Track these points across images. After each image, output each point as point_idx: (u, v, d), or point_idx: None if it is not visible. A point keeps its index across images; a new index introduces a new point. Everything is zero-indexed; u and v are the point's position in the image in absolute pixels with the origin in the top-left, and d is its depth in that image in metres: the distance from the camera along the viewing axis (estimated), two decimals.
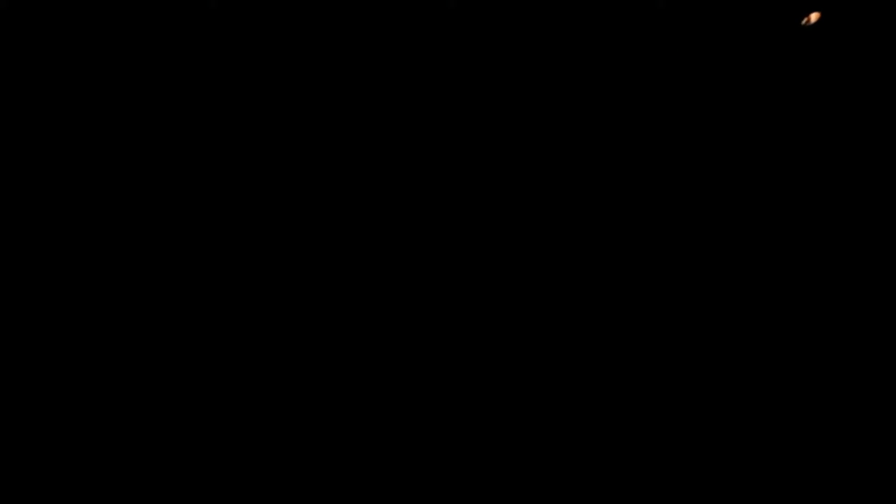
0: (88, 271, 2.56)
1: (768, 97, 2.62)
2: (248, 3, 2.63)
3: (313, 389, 2.52)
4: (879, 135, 2.58)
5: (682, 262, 2.60)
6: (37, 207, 2.57)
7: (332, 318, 2.58)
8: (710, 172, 2.62)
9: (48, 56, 2.61)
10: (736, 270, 2.59)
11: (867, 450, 2.42)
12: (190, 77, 2.63)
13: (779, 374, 2.53)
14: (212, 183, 2.61)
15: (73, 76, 2.61)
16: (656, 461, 2.44)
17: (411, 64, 2.65)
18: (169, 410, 2.48)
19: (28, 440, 2.41)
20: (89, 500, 2.37)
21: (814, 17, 2.25)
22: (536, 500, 2.40)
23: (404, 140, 2.64)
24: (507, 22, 2.64)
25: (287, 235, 2.60)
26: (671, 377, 2.53)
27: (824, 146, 2.60)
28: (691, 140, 2.63)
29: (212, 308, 2.56)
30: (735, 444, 2.46)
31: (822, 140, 2.59)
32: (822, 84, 2.60)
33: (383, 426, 2.49)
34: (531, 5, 2.64)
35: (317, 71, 2.64)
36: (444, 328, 2.57)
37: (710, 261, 2.60)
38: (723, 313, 2.57)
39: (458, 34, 2.64)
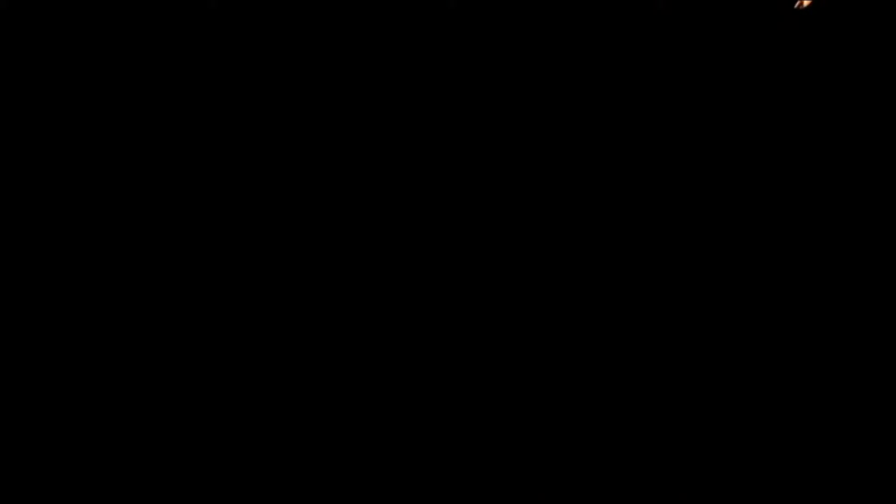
0: (88, 271, 2.55)
1: (770, 95, 2.62)
2: (248, 3, 2.63)
3: (313, 389, 2.51)
4: (881, 123, 2.57)
5: (683, 262, 2.59)
6: (37, 207, 2.57)
7: (331, 317, 2.57)
8: (712, 172, 2.62)
9: (48, 56, 2.61)
10: (738, 269, 2.58)
11: (867, 450, 2.41)
12: (189, 77, 2.63)
13: (779, 374, 2.52)
14: (212, 183, 2.61)
15: (73, 76, 2.61)
16: (656, 461, 2.43)
17: (411, 63, 2.65)
18: (169, 410, 2.47)
19: (28, 440, 2.40)
20: (89, 501, 2.36)
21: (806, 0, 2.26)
22: (536, 501, 2.39)
23: (404, 140, 2.64)
24: (507, 22, 2.65)
25: (287, 235, 2.60)
26: (671, 377, 2.52)
27: (829, 141, 2.59)
28: (692, 140, 2.63)
29: (211, 308, 2.56)
30: (735, 444, 2.44)
31: (827, 135, 2.59)
32: (824, 77, 2.60)
33: (383, 426, 2.48)
34: (531, 5, 2.65)
35: (317, 71, 2.64)
36: (443, 328, 2.56)
37: (711, 260, 2.59)
38: (723, 312, 2.57)
39: (458, 34, 2.65)
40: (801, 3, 2.29)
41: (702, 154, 2.63)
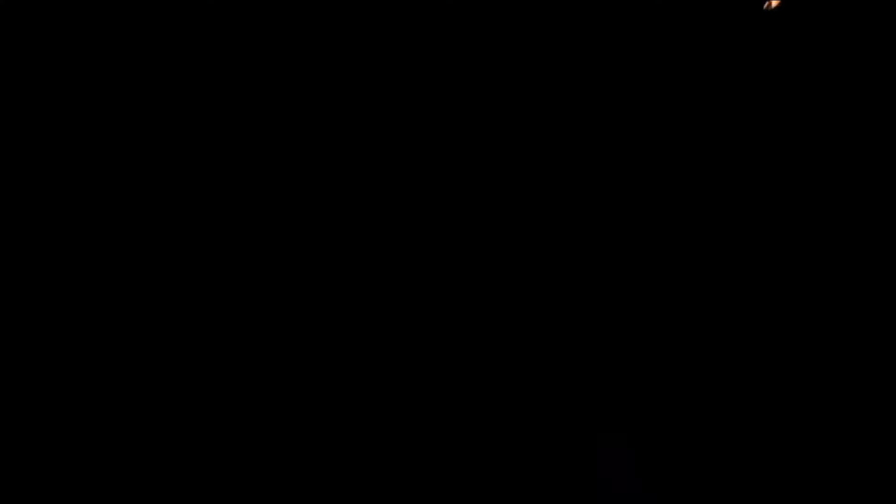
0: (88, 271, 2.56)
1: (765, 92, 2.62)
2: (247, 2, 2.63)
3: (313, 389, 2.52)
4: (853, 122, 2.57)
5: (680, 262, 2.59)
6: (37, 207, 2.58)
7: (331, 318, 2.58)
8: (709, 169, 2.61)
9: (48, 55, 2.61)
10: (729, 268, 2.59)
11: (867, 450, 2.42)
12: (189, 75, 2.63)
13: (779, 374, 2.53)
14: (211, 182, 2.61)
15: (73, 75, 2.61)
16: (656, 461, 2.44)
17: (409, 60, 2.64)
18: (169, 410, 2.49)
19: (28, 440, 2.42)
20: (89, 501, 2.38)
21: (774, 1, 2.25)
22: (536, 500, 2.40)
23: (403, 138, 2.64)
24: (505, 18, 2.64)
25: (287, 235, 2.60)
26: (671, 377, 2.53)
27: (806, 139, 2.59)
28: (690, 138, 2.63)
29: (211, 308, 2.57)
30: (735, 444, 2.45)
31: (802, 133, 2.59)
32: (813, 73, 2.59)
33: (382, 426, 2.49)
34: (530, 1, 2.63)
35: (315, 67, 2.64)
36: (443, 328, 2.57)
37: (707, 259, 2.59)
38: (722, 312, 2.57)
39: (455, 30, 2.64)
40: (770, 4, 2.28)
41: (699, 151, 2.63)
